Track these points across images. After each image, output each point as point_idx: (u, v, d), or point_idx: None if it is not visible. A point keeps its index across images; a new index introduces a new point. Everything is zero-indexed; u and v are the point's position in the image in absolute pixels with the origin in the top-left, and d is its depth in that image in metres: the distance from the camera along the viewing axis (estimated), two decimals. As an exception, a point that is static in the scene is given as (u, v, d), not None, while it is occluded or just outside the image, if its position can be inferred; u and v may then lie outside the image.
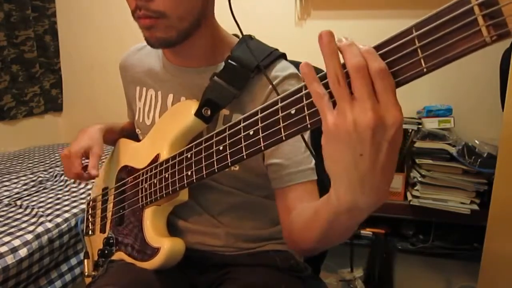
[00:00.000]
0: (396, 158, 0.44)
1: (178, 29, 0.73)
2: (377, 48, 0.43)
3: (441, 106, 1.75)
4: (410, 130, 1.71)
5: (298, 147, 0.76)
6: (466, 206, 1.63)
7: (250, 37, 0.81)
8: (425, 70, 0.40)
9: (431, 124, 1.71)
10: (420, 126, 1.73)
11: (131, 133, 1.02)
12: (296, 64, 0.83)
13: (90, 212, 1.03)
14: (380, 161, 0.43)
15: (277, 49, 0.82)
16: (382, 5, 1.93)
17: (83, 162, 0.89)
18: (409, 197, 1.72)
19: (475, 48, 0.36)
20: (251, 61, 0.76)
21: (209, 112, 0.75)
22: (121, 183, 0.90)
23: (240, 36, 0.83)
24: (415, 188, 1.70)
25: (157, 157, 0.80)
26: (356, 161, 0.43)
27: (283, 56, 0.82)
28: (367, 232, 1.80)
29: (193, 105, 0.77)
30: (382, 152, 0.42)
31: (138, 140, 0.94)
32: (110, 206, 0.93)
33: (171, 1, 0.69)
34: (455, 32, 0.37)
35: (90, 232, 1.01)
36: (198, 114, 0.76)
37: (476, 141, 1.65)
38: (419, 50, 0.39)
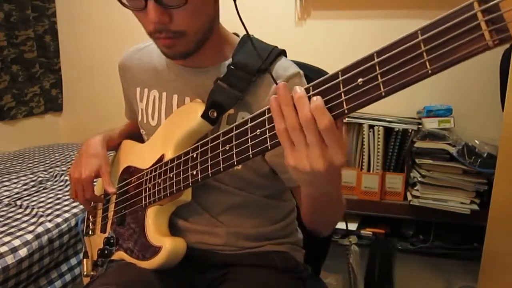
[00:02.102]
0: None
1: (195, 42, 0.75)
2: (384, 50, 0.45)
3: (441, 106, 1.75)
4: (410, 130, 1.71)
5: None
6: (466, 206, 1.63)
7: (249, 36, 0.81)
8: (429, 72, 0.42)
9: (431, 124, 1.71)
10: (420, 126, 1.73)
11: (129, 136, 1.02)
12: (296, 64, 0.83)
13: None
14: (332, 179, 0.59)
15: (276, 47, 0.82)
16: (382, 5, 1.92)
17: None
18: (409, 197, 1.72)
19: (478, 51, 0.38)
20: (254, 63, 0.77)
21: (215, 114, 0.76)
22: (124, 183, 0.90)
23: (240, 33, 0.84)
24: (415, 188, 1.70)
25: (162, 157, 0.81)
26: (314, 179, 0.57)
27: (283, 53, 0.83)
28: (367, 232, 1.80)
29: (200, 107, 0.77)
30: (333, 178, 0.58)
31: (141, 141, 0.95)
32: (111, 206, 0.94)
33: (189, 19, 0.70)
34: (460, 36, 0.39)
35: (90, 232, 1.01)
36: (204, 116, 0.76)
37: (476, 141, 1.65)
38: (424, 53, 0.41)
